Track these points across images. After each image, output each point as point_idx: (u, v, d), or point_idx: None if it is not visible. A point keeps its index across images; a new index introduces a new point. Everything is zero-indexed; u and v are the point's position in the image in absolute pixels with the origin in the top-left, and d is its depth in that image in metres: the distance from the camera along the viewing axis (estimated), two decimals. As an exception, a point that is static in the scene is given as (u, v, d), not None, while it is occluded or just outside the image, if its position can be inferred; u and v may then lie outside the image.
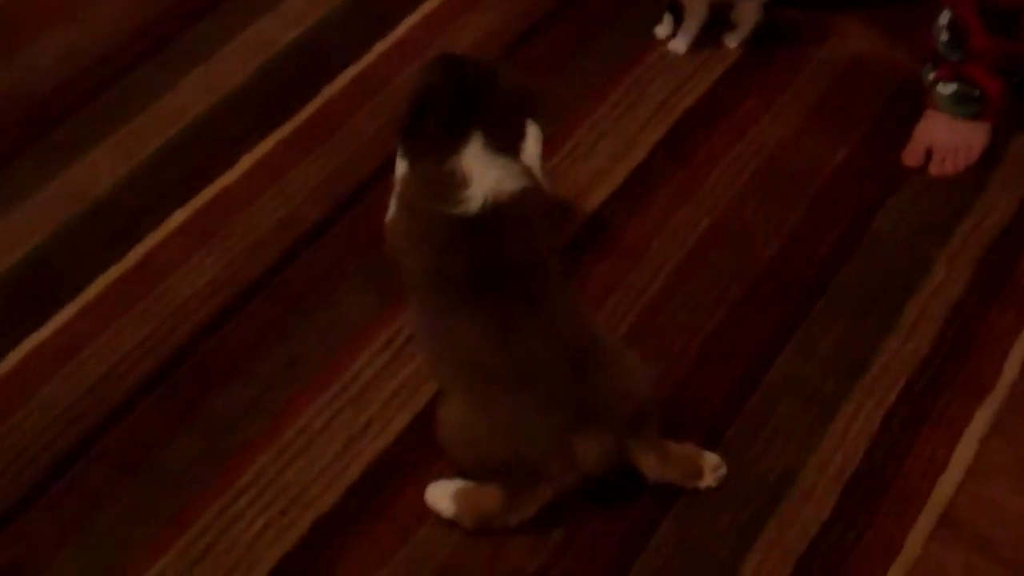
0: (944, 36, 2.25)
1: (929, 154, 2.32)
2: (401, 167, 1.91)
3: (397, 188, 1.93)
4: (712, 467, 1.87)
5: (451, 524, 1.83)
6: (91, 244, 2.19)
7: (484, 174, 1.78)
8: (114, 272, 2.15)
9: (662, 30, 2.54)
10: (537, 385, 1.72)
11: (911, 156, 2.33)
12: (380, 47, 2.51)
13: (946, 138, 2.31)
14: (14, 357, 2.05)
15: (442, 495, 1.84)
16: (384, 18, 2.56)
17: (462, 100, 1.83)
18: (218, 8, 2.58)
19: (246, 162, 2.31)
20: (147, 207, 2.24)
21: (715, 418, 1.97)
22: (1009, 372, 2.03)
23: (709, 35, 2.53)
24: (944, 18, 2.24)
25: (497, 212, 1.78)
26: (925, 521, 1.86)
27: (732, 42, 2.53)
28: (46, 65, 2.47)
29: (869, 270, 2.18)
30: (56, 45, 2.52)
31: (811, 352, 2.06)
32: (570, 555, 1.82)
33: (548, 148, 2.15)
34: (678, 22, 2.51)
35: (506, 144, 1.85)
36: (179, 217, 2.23)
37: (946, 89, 2.29)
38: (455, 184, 1.78)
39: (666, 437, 1.84)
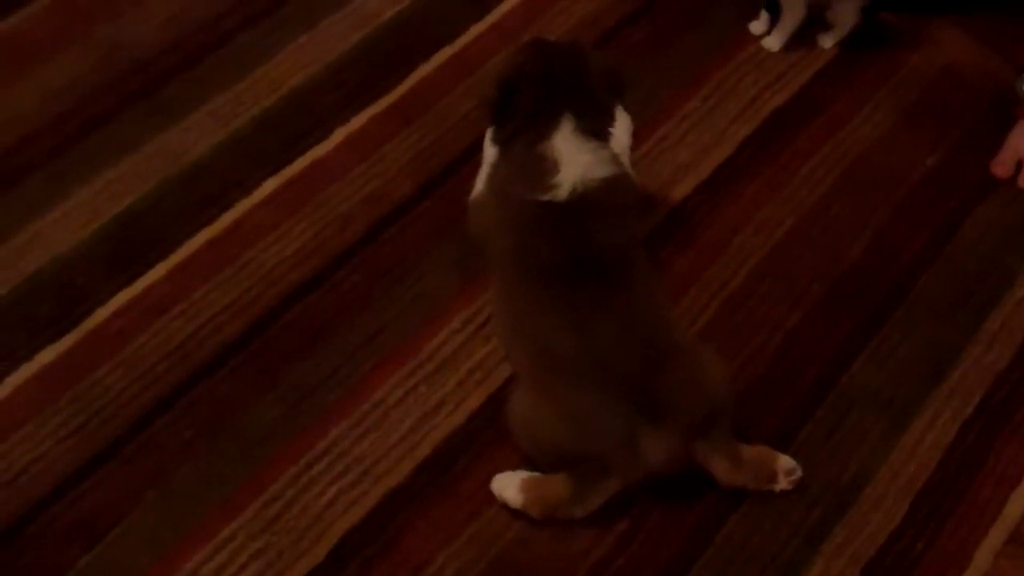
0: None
1: (1019, 166, 2.24)
2: (490, 150, 1.87)
3: (485, 170, 1.88)
4: (786, 471, 1.80)
5: (517, 509, 1.79)
6: (184, 206, 2.17)
7: (574, 160, 1.74)
8: (205, 235, 2.13)
9: (757, 26, 2.47)
10: (607, 377, 1.67)
11: (1001, 167, 2.24)
12: (477, 28, 2.46)
13: (1037, 151, 2.22)
14: (102, 313, 2.03)
15: (509, 485, 1.79)
16: (482, 1, 2.50)
17: (553, 84, 1.78)
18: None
19: (339, 135, 2.27)
20: (240, 174, 2.21)
21: (788, 419, 1.90)
22: (1090, 389, 1.95)
23: (804, 34, 2.44)
24: None
25: (585, 199, 1.73)
26: (995, 536, 1.79)
27: (827, 42, 2.45)
28: (151, 28, 2.45)
29: (952, 279, 2.09)
30: (162, 8, 2.48)
31: (888, 358, 1.98)
32: (635, 545, 1.77)
33: (637, 137, 2.10)
34: (774, 19, 2.43)
35: (596, 129, 1.80)
36: (271, 185, 2.20)
37: (1041, 102, 2.20)
38: (544, 169, 1.74)
39: (737, 438, 1.78)
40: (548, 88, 1.78)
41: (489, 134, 1.87)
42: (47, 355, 1.98)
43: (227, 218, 2.15)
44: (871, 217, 2.18)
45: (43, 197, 2.18)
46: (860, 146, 2.29)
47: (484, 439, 1.87)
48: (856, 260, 2.12)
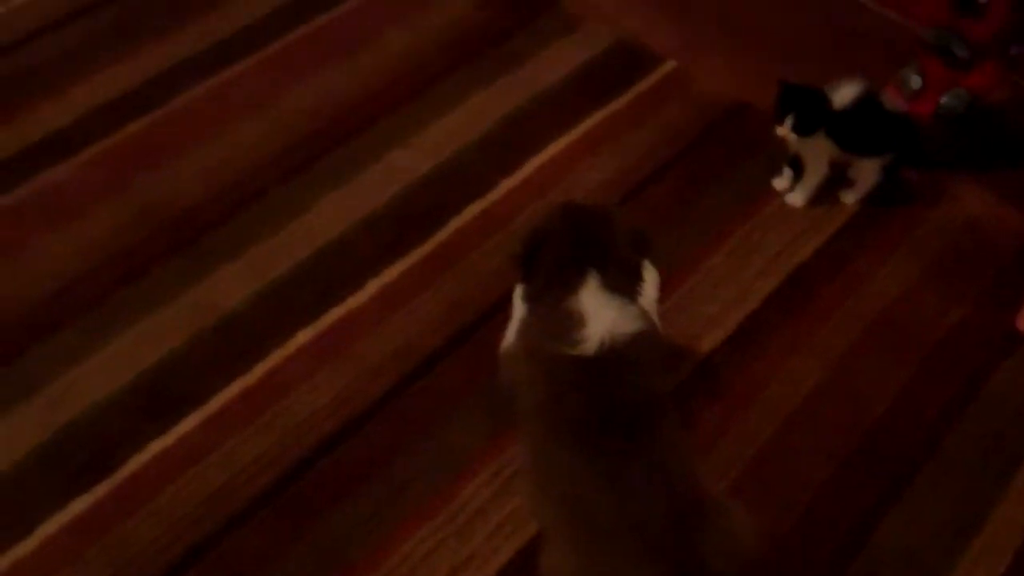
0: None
1: (1044, 320, 2.24)
2: (520, 305, 1.88)
3: (515, 324, 1.89)
4: None
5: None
6: (218, 357, 2.17)
7: (601, 315, 1.74)
8: (238, 386, 2.13)
9: (780, 183, 2.49)
10: (639, 535, 1.64)
11: (1026, 321, 2.25)
12: (507, 184, 2.49)
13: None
14: (135, 462, 2.02)
15: None
16: (512, 157, 2.54)
17: (579, 242, 1.80)
18: (359, 136, 2.57)
19: (372, 287, 2.29)
20: (274, 325, 2.22)
21: (819, 577, 1.87)
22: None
23: (826, 190, 2.47)
24: None
25: (613, 353, 1.72)
26: None
27: (849, 198, 2.47)
28: (188, 181, 2.48)
29: (980, 434, 2.07)
30: (200, 162, 2.52)
31: (918, 515, 1.95)
32: None
33: (664, 291, 2.09)
34: (797, 176, 2.46)
35: (623, 286, 1.81)
36: (304, 336, 2.20)
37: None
38: (572, 324, 1.74)
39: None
40: (574, 246, 1.79)
41: (518, 290, 1.88)
42: (79, 504, 1.96)
43: (260, 369, 2.15)
44: (897, 371, 2.17)
45: (79, 347, 2.18)
46: (884, 301, 2.29)
47: (513, 595, 1.85)
48: (884, 414, 2.10)
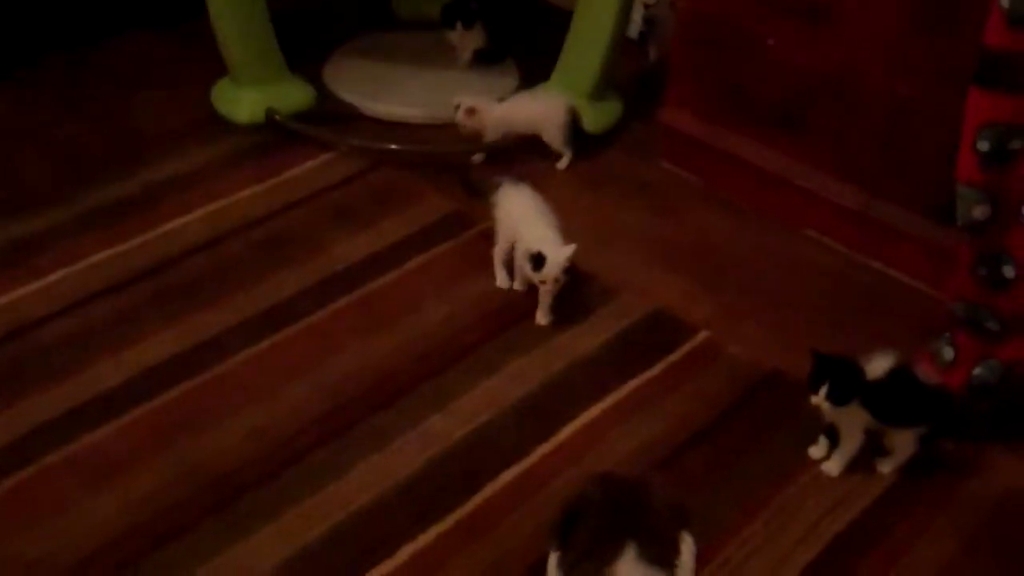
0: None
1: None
2: (554, 575, 1.86)
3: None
4: None
5: None
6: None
7: (637, 584, 1.72)
8: (270, 652, 2.09)
9: (816, 451, 2.48)
10: None
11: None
12: (542, 450, 2.48)
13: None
14: None
15: None
16: (547, 422, 2.55)
17: (617, 513, 1.80)
18: (396, 402, 2.59)
19: (405, 552, 2.26)
20: (307, 590, 2.19)
21: None
22: None
23: (862, 459, 2.45)
24: None
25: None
26: None
27: (886, 468, 2.45)
28: (231, 443, 2.49)
29: None
30: (242, 424, 2.54)
31: None
32: None
33: (700, 559, 2.07)
34: (833, 445, 2.45)
35: (660, 557, 1.80)
36: (336, 603, 2.17)
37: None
38: (608, 596, 1.72)
39: None
40: (612, 516, 1.79)
41: (552, 559, 1.86)
42: None
43: (290, 635, 2.12)
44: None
45: (112, 608, 2.16)
46: (925, 573, 2.23)
47: None
48: None
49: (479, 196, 3.02)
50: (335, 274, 2.98)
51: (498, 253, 2.94)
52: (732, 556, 2.27)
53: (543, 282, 2.72)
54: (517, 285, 2.90)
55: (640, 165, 3.45)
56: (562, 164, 3.42)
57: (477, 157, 3.43)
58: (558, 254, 2.69)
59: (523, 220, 2.81)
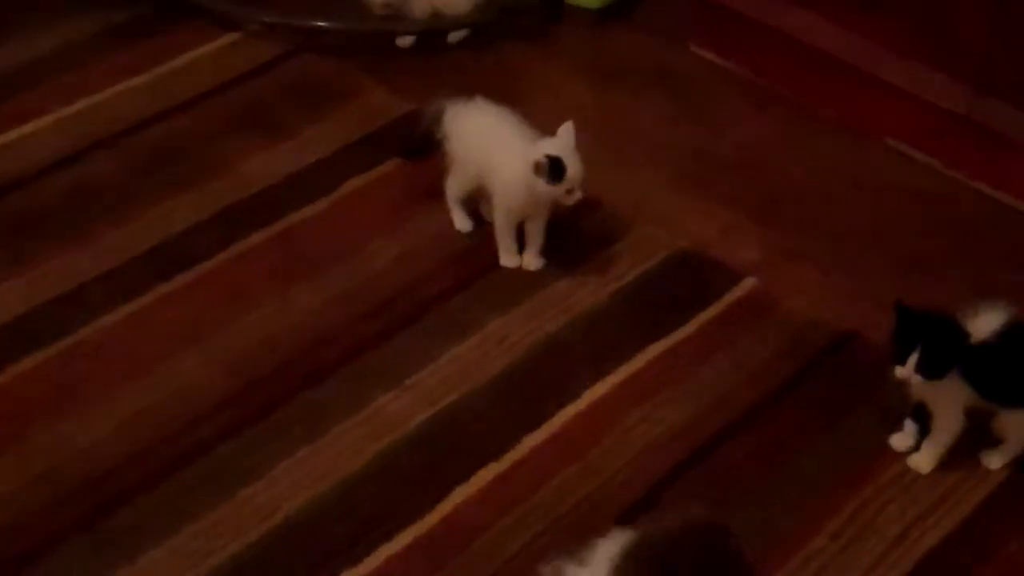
0: None
1: None
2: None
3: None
4: None
5: None
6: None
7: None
8: None
9: (901, 440, 2.53)
10: None
11: None
12: (530, 440, 2.52)
13: None
14: None
15: None
16: (537, 403, 2.59)
17: None
18: (331, 377, 2.62)
19: (346, 583, 2.31)
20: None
21: None
22: None
23: (963, 450, 2.50)
24: None
25: None
26: None
27: (994, 462, 2.50)
28: (103, 433, 2.51)
29: None
30: (119, 407, 2.56)
31: None
32: None
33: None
34: (923, 431, 2.50)
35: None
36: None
37: None
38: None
39: None
40: None
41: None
42: None
43: None
44: None
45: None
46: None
47: None
48: None
49: (429, 147, 2.95)
50: (242, 202, 2.99)
51: (453, 189, 2.95)
52: (791, 579, 2.33)
53: (570, 192, 2.72)
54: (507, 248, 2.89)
55: (662, 49, 3.46)
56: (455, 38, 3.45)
57: (404, 40, 3.44)
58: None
59: (493, 141, 2.82)
